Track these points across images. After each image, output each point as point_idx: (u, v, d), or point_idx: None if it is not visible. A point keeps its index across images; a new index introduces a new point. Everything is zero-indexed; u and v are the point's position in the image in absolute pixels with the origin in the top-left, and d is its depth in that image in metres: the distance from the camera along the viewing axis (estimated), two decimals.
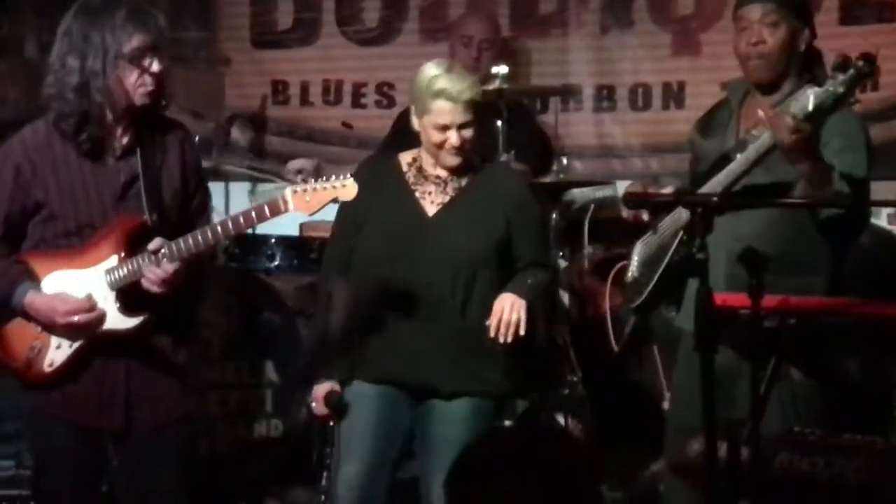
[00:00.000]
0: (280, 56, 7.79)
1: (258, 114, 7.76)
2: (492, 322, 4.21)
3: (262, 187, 7.53)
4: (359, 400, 4.41)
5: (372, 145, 6.93)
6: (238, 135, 7.73)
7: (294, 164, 6.62)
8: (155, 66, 4.00)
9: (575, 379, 6.17)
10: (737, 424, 3.55)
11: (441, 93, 4.33)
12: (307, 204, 3.92)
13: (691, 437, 3.79)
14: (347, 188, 3.93)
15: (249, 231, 6.25)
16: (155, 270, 3.96)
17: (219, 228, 3.99)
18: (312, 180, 3.97)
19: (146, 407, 4.15)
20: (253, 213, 3.97)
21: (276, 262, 6.48)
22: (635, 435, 5.88)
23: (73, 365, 4.08)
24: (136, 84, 4.01)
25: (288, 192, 3.93)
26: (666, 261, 4.21)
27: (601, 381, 6.29)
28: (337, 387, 4.37)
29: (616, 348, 4.77)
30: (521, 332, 4.21)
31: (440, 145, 4.35)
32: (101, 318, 4.04)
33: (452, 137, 4.33)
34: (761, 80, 4.20)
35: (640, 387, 6.23)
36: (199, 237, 3.97)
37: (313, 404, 4.43)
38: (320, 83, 7.71)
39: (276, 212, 3.95)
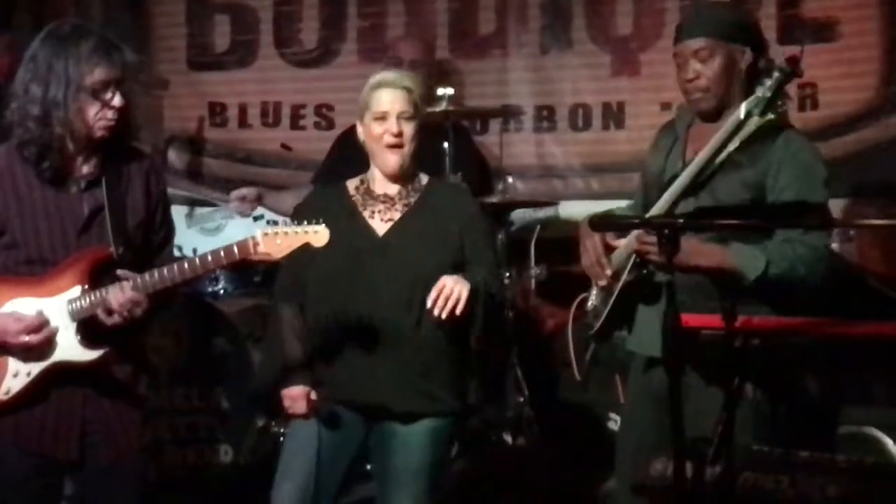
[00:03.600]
0: (217, 78, 7.79)
1: (195, 136, 7.73)
2: (431, 295, 4.16)
3: (199, 210, 7.53)
4: (302, 429, 4.37)
5: (311, 167, 6.92)
6: (175, 157, 7.68)
7: (237, 193, 6.67)
8: (116, 101, 3.97)
9: (522, 399, 6.19)
10: (701, 443, 3.58)
11: (380, 83, 4.38)
12: (277, 247, 3.91)
13: (652, 456, 3.80)
14: (319, 234, 3.93)
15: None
16: (118, 296, 3.93)
17: (186, 266, 3.95)
18: (284, 223, 3.97)
19: (103, 437, 4.11)
20: (222, 254, 3.94)
21: (220, 286, 6.47)
22: (582, 454, 5.92)
23: (29, 393, 4.03)
24: (97, 117, 3.98)
25: (259, 233, 3.92)
26: (620, 284, 4.23)
27: (547, 401, 6.33)
28: (313, 392, 4.33)
29: (578, 377, 4.77)
30: (458, 312, 4.14)
31: (380, 139, 4.35)
32: (52, 340, 3.99)
33: (392, 125, 4.33)
34: (704, 111, 4.22)
35: (584, 406, 6.27)
36: (166, 273, 3.95)
37: (287, 403, 4.35)
38: (258, 105, 7.71)
39: (245, 253, 3.93)
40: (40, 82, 3.97)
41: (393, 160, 4.37)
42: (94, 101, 3.97)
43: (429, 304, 4.16)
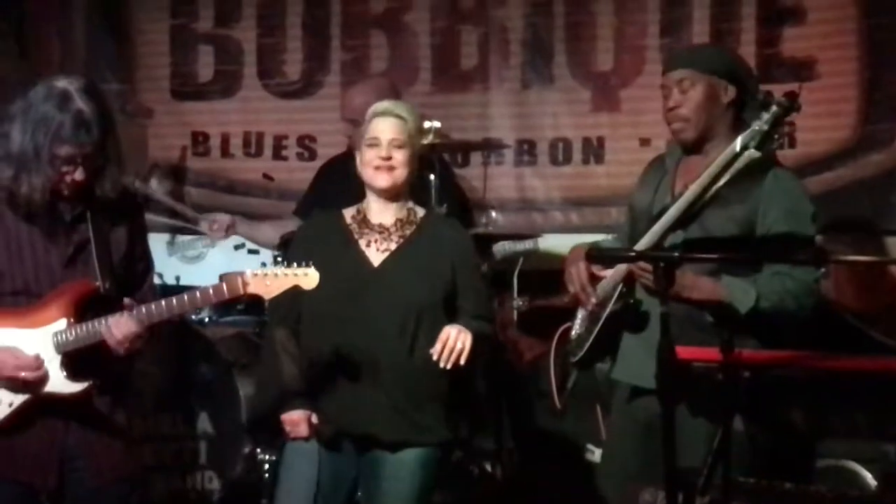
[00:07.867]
0: (200, 108, 7.83)
1: (178, 165, 7.77)
2: (436, 347, 4.24)
3: (180, 239, 7.55)
4: (302, 452, 4.41)
5: (293, 197, 6.95)
6: (157, 185, 7.70)
7: (210, 217, 6.68)
8: (77, 175, 4.03)
9: (502, 429, 6.23)
10: (692, 474, 3.64)
11: (375, 112, 4.50)
12: (266, 288, 3.99)
13: (638, 486, 3.85)
14: (309, 277, 4.00)
15: (174, 284, 6.31)
16: (120, 329, 4.00)
17: (177, 302, 4.03)
18: (274, 265, 4.08)
19: (84, 467, 4.15)
20: (211, 291, 4.03)
21: (205, 313, 6.49)
22: (560, 485, 5.96)
23: (10, 423, 4.07)
24: (60, 181, 4.04)
25: (249, 273, 3.99)
26: (606, 313, 4.29)
27: (526, 432, 6.37)
28: (314, 416, 4.38)
29: (559, 405, 4.81)
30: (462, 361, 4.24)
31: (370, 163, 4.43)
32: (45, 378, 4.05)
33: (382, 150, 4.41)
34: (684, 141, 4.29)
35: (563, 437, 6.31)
36: (164, 306, 4.02)
37: (288, 427, 4.41)
38: (241, 135, 7.75)
39: (234, 293, 4.01)
40: (22, 132, 4.02)
41: (381, 180, 4.44)
42: (57, 168, 4.02)
43: (434, 355, 4.24)
